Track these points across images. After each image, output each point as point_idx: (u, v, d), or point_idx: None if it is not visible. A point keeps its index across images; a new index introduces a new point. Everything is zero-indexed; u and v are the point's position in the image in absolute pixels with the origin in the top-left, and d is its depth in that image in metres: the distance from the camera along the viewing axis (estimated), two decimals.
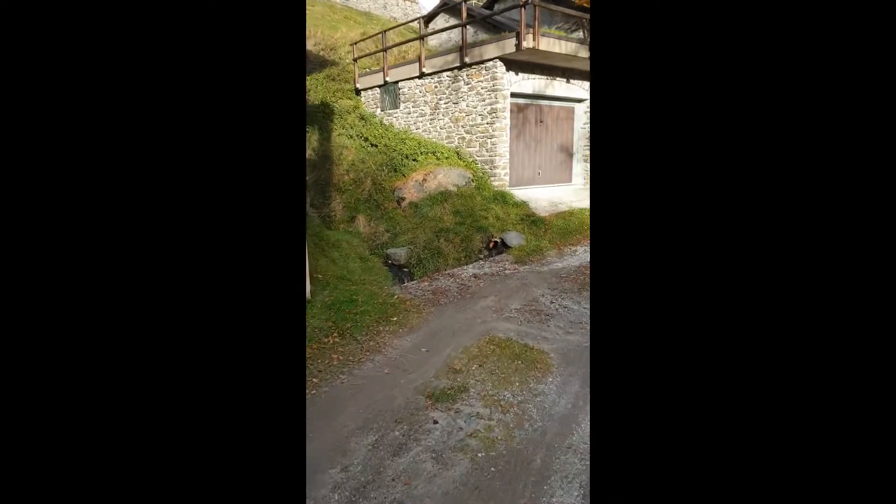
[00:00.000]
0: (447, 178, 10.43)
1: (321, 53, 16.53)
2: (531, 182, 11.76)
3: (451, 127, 11.67)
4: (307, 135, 11.90)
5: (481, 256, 8.90)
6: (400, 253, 8.64)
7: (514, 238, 8.99)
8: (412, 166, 10.92)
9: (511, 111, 10.90)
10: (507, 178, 10.97)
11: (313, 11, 19.47)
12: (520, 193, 10.81)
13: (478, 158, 11.07)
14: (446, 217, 9.61)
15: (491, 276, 7.15)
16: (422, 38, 11.76)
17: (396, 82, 13.00)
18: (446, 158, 11.08)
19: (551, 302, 5.98)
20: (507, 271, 7.43)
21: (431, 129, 12.21)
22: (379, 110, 13.72)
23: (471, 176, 10.67)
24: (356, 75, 14.35)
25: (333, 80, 14.87)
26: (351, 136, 12.27)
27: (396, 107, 13.11)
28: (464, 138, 11.37)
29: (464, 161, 11.12)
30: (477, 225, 9.30)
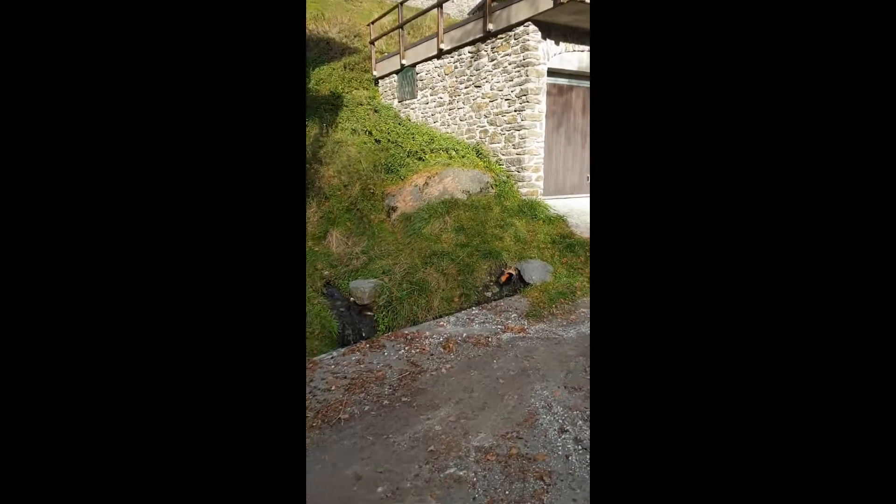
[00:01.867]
0: (456, 182, 7.37)
1: (344, 41, 13.94)
2: (575, 190, 8.46)
3: (471, 117, 8.61)
4: (307, 129, 9.24)
5: (487, 296, 5.79)
6: (364, 288, 5.67)
7: (536, 270, 5.81)
8: (415, 167, 7.95)
9: (548, 94, 7.70)
10: (541, 183, 7.76)
11: None
12: (557, 205, 7.58)
13: (502, 157, 7.94)
14: (445, 235, 6.56)
15: (475, 345, 4.01)
16: (439, 3, 8.78)
17: (413, 66, 10.09)
18: (461, 157, 8.03)
19: (562, 428, 2.77)
20: (504, 334, 4.25)
21: (450, 121, 9.19)
22: (396, 101, 10.87)
23: (490, 180, 7.56)
24: (373, 61, 11.57)
25: (352, 68, 12.21)
26: (356, 131, 9.48)
27: (414, 96, 10.19)
28: (486, 131, 8.27)
29: (484, 161, 8.02)
30: (486, 248, 6.19)
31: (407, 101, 10.45)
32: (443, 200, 7.04)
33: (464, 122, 8.79)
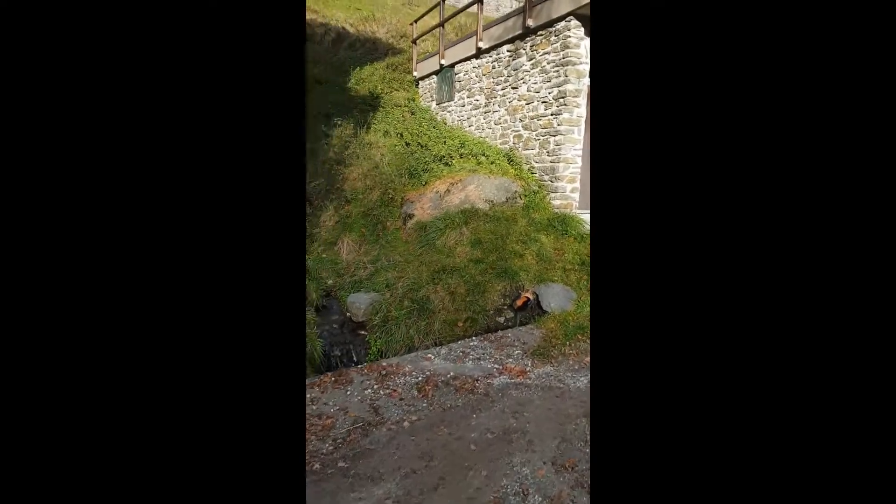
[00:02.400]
0: (479, 190, 6.64)
1: (391, 41, 13.50)
2: None
3: (506, 121, 7.84)
4: (340, 131, 8.78)
5: (499, 321, 5.02)
6: (361, 304, 5.04)
7: (556, 296, 4.99)
8: (439, 172, 7.27)
9: (588, 98, 6.85)
10: (577, 196, 6.89)
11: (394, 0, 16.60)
12: None
13: (535, 165, 7.13)
14: (460, 248, 5.84)
15: (458, 389, 3.27)
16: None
17: (452, 66, 9.44)
18: (490, 163, 7.28)
19: None
20: (498, 378, 3.48)
21: (485, 126, 8.46)
22: (434, 103, 10.25)
23: (519, 189, 6.77)
24: (414, 61, 11.02)
25: (395, 69, 11.70)
26: (387, 133, 8.93)
27: (451, 98, 9.53)
28: (520, 136, 7.49)
29: (515, 168, 7.23)
30: (503, 266, 5.42)
31: (444, 104, 9.82)
32: (462, 210, 6.33)
33: (498, 127, 8.04)
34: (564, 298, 4.90)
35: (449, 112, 9.65)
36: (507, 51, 7.74)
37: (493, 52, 8.11)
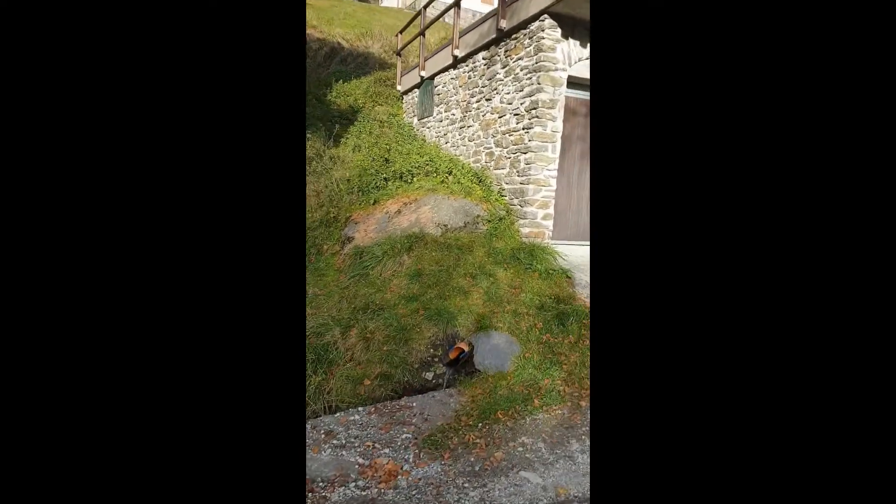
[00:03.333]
0: (435, 212, 5.55)
1: (382, 56, 12.69)
2: None
3: (479, 137, 6.78)
4: (308, 145, 7.84)
5: (426, 378, 3.88)
6: None
7: (495, 350, 3.82)
8: (395, 191, 6.22)
9: (569, 111, 5.74)
10: (550, 224, 5.74)
11: (400, 22, 15.89)
12: (568, 253, 5.52)
13: (505, 186, 6.03)
14: (396, 281, 4.73)
15: None
16: (456, 2, 7.11)
17: (432, 78, 8.48)
18: (457, 183, 6.21)
19: None
20: (346, 486, 2.32)
21: (459, 142, 7.42)
22: (416, 118, 9.28)
23: (484, 213, 5.66)
24: (398, 74, 10.11)
25: (383, 83, 10.83)
26: (358, 148, 7.96)
27: (431, 112, 8.56)
28: (492, 153, 6.41)
29: (483, 189, 6.14)
30: (440, 307, 4.29)
31: (425, 119, 8.83)
32: (409, 234, 5.24)
33: (472, 143, 6.98)
34: (504, 353, 3.75)
35: (428, 128, 8.66)
36: (483, 58, 6.73)
37: (470, 61, 7.12)
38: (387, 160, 7.19)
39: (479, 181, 6.36)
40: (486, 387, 3.39)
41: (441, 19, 9.02)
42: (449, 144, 7.74)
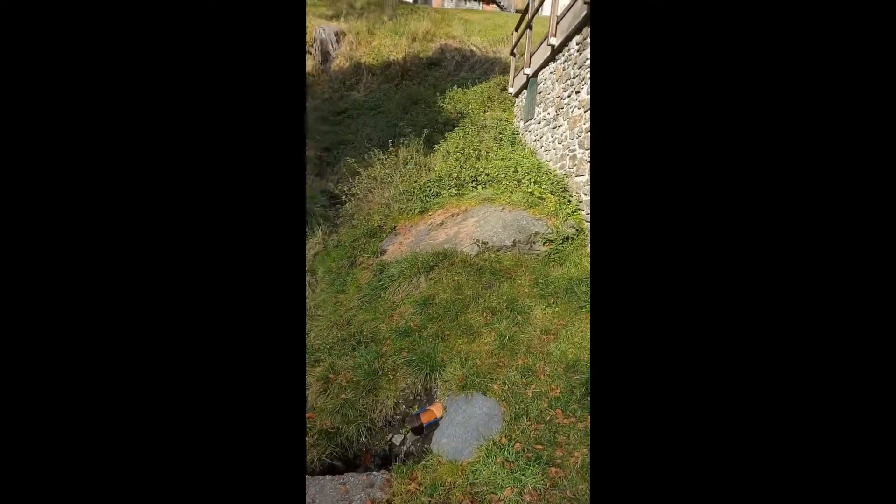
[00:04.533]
0: (480, 226, 4.44)
1: (508, 59, 11.71)
2: None
3: (567, 137, 5.44)
4: (404, 151, 7.33)
5: (394, 444, 2.88)
6: None
7: (469, 423, 2.61)
8: (448, 200, 5.23)
9: None
10: None
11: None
12: None
13: (584, 197, 4.64)
14: (404, 307, 3.76)
15: None
16: None
17: (535, 74, 7.27)
18: (525, 192, 4.99)
19: None
20: None
21: (550, 145, 6.12)
22: (522, 122, 8.13)
23: (548, 231, 4.38)
24: (511, 75, 9.04)
25: (501, 87, 9.90)
26: (448, 154, 7.17)
27: (532, 114, 7.35)
28: (574, 157, 5.03)
29: (559, 201, 4.81)
30: (432, 349, 3.21)
31: (529, 121, 7.65)
32: (438, 252, 4.22)
33: (560, 145, 5.65)
34: (473, 433, 2.53)
35: (530, 131, 7.46)
36: (577, 43, 5.39)
37: (565, 49, 5.80)
38: (465, 166, 6.24)
39: (559, 191, 5.05)
40: (424, 482, 2.26)
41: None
42: (543, 149, 6.48)
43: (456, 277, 3.92)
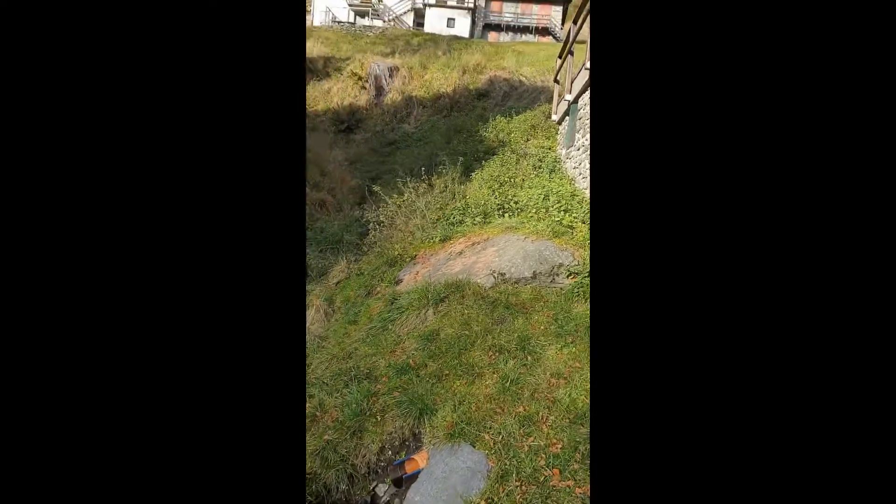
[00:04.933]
0: (500, 255, 4.13)
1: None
2: None
3: None
4: (439, 180, 7.22)
5: (377, 496, 2.59)
6: None
7: (449, 479, 2.28)
8: (471, 228, 4.97)
9: None
10: None
11: None
12: None
13: None
14: (409, 342, 3.50)
15: None
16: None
17: (576, 100, 6.96)
18: (553, 221, 4.65)
19: None
20: None
21: (587, 172, 5.75)
22: (564, 149, 7.79)
23: (571, 262, 4.01)
24: (554, 102, 8.76)
25: (546, 115, 9.64)
26: (483, 182, 6.97)
27: (572, 141, 7.01)
28: None
29: (589, 227, 4.44)
30: (426, 391, 2.92)
31: (569, 149, 7.31)
32: (451, 283, 3.94)
33: None
34: (450, 492, 2.18)
35: (570, 158, 7.12)
36: None
37: None
38: (497, 193, 5.98)
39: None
40: None
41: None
42: (581, 176, 6.11)
43: (466, 311, 3.63)
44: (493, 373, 3.03)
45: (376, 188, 6.30)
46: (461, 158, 7.60)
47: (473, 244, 4.48)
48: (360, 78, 15.87)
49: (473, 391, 2.90)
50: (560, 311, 3.65)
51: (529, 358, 3.14)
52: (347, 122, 14.57)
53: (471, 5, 22.97)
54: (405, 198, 5.93)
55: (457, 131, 10.09)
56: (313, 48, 18.42)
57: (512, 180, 6.46)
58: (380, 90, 15.43)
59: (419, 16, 23.84)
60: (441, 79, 14.76)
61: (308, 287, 5.51)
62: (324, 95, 15.78)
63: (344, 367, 3.35)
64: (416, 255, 4.94)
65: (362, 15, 24.26)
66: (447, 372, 3.08)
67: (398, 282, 4.60)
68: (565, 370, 3.04)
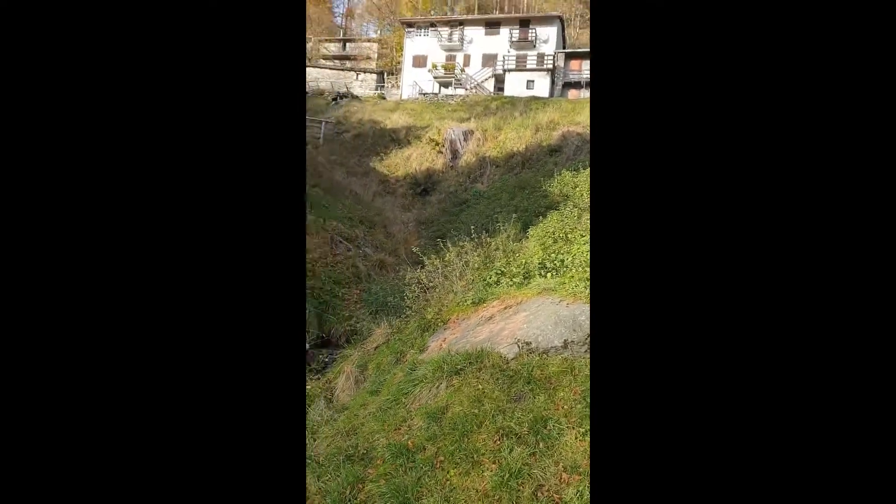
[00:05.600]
0: (531, 321, 3.71)
1: None
2: None
3: None
4: (497, 239, 7.01)
5: None
6: None
7: None
8: (507, 290, 4.57)
9: None
10: None
11: None
12: None
13: None
14: (417, 419, 3.17)
15: None
16: None
17: None
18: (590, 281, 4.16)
19: None
20: None
21: None
22: None
23: None
24: None
25: None
26: (540, 237, 6.61)
27: None
28: None
29: None
30: (410, 483, 2.54)
31: None
32: (471, 353, 3.57)
33: None
34: None
35: None
36: None
37: None
38: (550, 251, 5.58)
39: None
40: None
41: None
42: None
43: (481, 385, 3.24)
44: (494, 461, 2.59)
45: (415, 249, 6.18)
46: (514, 215, 7.31)
47: (506, 308, 4.11)
48: (437, 143, 16.47)
49: (467, 483, 2.48)
50: (588, 386, 3.12)
51: (541, 444, 2.66)
52: (424, 184, 15.03)
53: (550, 66, 23.29)
54: (447, 258, 5.73)
55: (521, 188, 9.89)
56: (398, 119, 19.62)
57: (566, 236, 6.02)
58: (455, 153, 15.85)
59: (500, 81, 24.58)
60: (514, 138, 14.83)
61: (346, 351, 5.40)
62: (404, 162, 16.54)
63: (343, 445, 3.09)
64: (448, 320, 4.65)
65: (446, 85, 25.57)
66: (444, 458, 2.69)
67: (425, 349, 4.32)
68: (583, 462, 2.52)
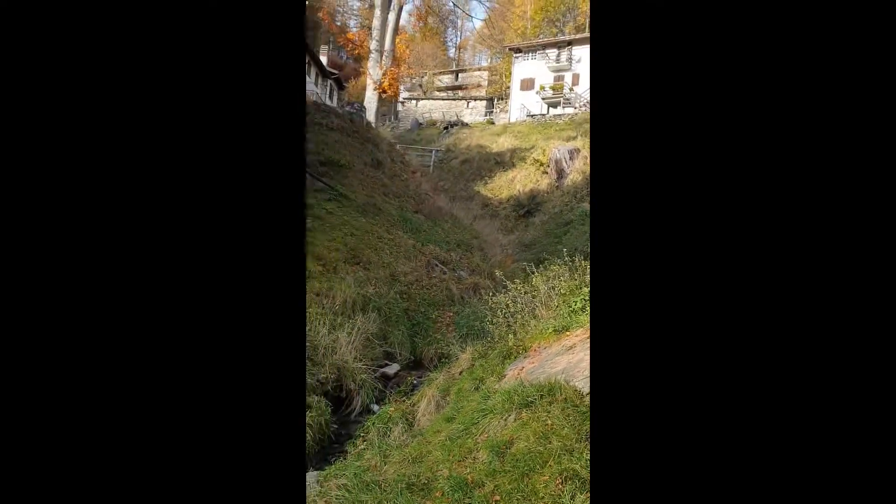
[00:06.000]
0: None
1: None
2: None
3: None
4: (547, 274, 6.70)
5: None
6: None
7: None
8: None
9: None
10: None
11: None
12: None
13: None
14: (481, 453, 3.02)
15: None
16: None
17: None
18: None
19: None
20: None
21: None
22: None
23: None
24: None
25: None
26: None
27: None
28: None
29: None
30: None
31: None
32: (543, 384, 3.33)
33: None
34: None
35: None
36: None
37: None
38: None
39: None
40: None
41: None
42: None
43: (550, 421, 3.00)
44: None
45: (498, 272, 6.03)
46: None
47: (549, 347, 3.81)
48: (541, 164, 16.19)
49: None
50: None
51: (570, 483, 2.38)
52: (528, 206, 14.81)
53: None
54: (534, 282, 5.50)
55: (565, 223, 9.25)
56: (504, 142, 19.71)
57: None
58: (561, 172, 15.42)
59: None
60: None
61: (433, 374, 5.40)
62: (507, 184, 16.50)
63: (408, 472, 3.05)
64: (529, 347, 4.43)
65: (554, 105, 25.22)
66: (499, 497, 2.52)
67: (502, 377, 4.15)
68: None
